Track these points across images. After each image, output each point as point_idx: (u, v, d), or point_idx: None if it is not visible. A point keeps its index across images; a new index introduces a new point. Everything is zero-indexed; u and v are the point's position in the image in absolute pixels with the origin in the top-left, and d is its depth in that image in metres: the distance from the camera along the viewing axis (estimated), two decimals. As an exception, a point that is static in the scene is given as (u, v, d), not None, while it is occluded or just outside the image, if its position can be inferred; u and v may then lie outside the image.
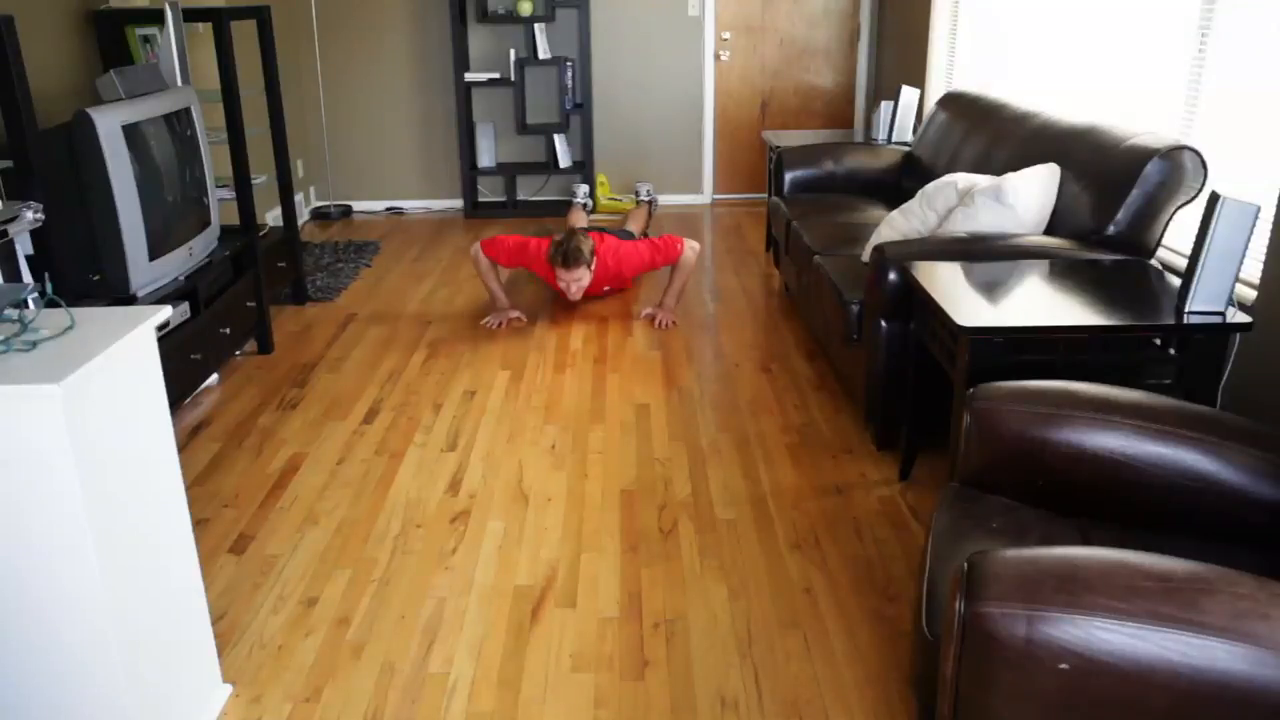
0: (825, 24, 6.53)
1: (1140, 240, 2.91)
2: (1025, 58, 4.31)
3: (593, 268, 4.24)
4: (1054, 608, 1.31)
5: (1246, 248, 2.31)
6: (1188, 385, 2.43)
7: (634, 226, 5.20)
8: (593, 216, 6.36)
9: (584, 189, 6.41)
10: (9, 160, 2.71)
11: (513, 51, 6.16)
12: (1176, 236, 3.09)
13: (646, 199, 6.22)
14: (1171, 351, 2.52)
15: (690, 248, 4.37)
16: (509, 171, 6.43)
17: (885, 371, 3.01)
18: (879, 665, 2.18)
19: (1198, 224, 2.47)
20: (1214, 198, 2.30)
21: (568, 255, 4.15)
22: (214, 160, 3.89)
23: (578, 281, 4.21)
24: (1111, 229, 2.92)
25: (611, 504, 2.86)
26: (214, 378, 3.78)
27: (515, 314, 4.41)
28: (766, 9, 6.47)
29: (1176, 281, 2.60)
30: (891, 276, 2.90)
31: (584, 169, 6.41)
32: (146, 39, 3.88)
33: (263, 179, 4.47)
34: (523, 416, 3.44)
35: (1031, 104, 3.72)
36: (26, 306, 1.82)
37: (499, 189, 6.70)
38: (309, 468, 3.10)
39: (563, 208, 6.56)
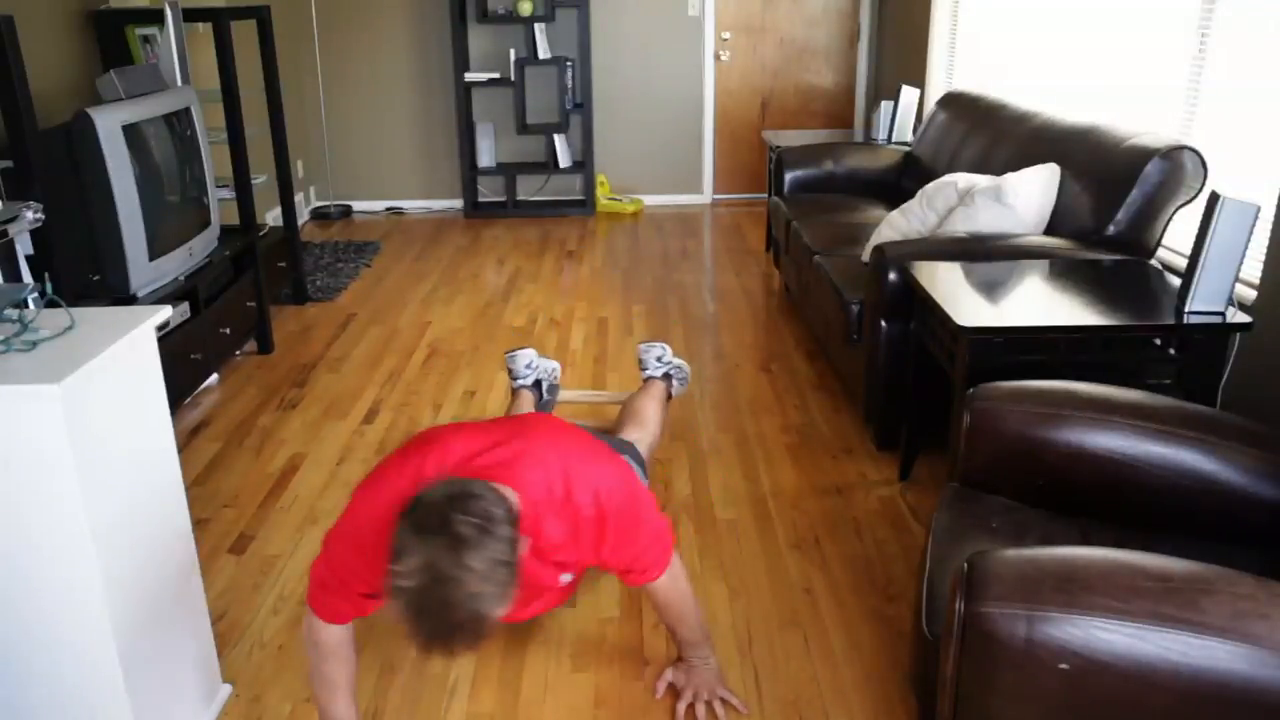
0: (825, 24, 6.53)
1: (1140, 240, 2.91)
2: (1025, 57, 4.31)
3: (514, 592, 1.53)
4: (1054, 608, 1.31)
5: (1246, 248, 2.32)
6: (1188, 385, 2.43)
7: (636, 433, 2.62)
8: (565, 398, 3.21)
9: (551, 367, 3.07)
10: (9, 160, 2.70)
11: (513, 51, 6.16)
12: (1176, 236, 3.09)
13: (661, 373, 2.97)
14: (1171, 351, 2.52)
15: (671, 572, 1.96)
16: (509, 171, 6.42)
17: (885, 371, 3.01)
18: (879, 665, 2.18)
19: (1198, 224, 2.47)
20: (1214, 198, 2.30)
21: (449, 634, 1.45)
22: (214, 160, 3.88)
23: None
24: (1111, 229, 2.92)
25: (611, 504, 2.85)
26: (214, 378, 3.78)
27: None
28: (766, 9, 6.47)
29: (1176, 281, 2.60)
30: (891, 276, 2.90)
31: (584, 169, 6.41)
32: (146, 39, 3.88)
33: (263, 179, 4.48)
34: (523, 416, 3.43)
35: (1031, 104, 3.72)
36: (26, 306, 1.82)
37: (499, 189, 6.70)
38: (309, 468, 3.10)
39: (562, 208, 6.54)
